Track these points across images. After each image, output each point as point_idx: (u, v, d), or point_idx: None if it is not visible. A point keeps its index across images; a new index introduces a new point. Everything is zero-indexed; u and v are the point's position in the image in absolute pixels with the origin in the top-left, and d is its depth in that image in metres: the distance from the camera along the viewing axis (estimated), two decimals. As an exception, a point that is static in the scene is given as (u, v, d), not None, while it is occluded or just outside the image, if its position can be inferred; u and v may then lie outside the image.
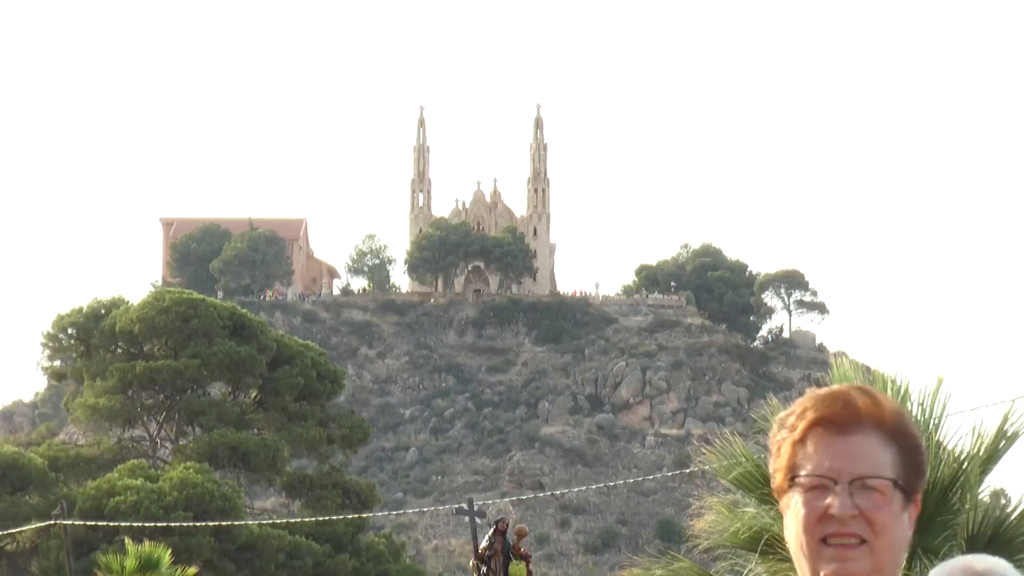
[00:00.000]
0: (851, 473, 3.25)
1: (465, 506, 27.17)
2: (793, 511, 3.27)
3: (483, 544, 26.13)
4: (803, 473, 3.25)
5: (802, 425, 3.33)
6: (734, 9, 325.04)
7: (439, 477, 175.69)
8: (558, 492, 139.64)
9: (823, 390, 3.44)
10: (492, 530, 25.69)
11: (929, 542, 21.71)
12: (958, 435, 22.26)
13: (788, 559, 14.24)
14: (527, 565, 25.71)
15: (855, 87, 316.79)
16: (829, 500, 3.21)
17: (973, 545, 21.61)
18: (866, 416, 3.32)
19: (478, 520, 26.66)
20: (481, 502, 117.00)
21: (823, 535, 3.17)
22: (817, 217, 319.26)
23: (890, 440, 3.33)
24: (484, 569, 25.05)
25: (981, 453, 21.87)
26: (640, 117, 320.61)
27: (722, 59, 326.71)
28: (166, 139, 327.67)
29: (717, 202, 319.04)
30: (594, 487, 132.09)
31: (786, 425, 3.36)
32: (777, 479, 3.33)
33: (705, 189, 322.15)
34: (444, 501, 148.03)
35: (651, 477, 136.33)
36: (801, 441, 3.32)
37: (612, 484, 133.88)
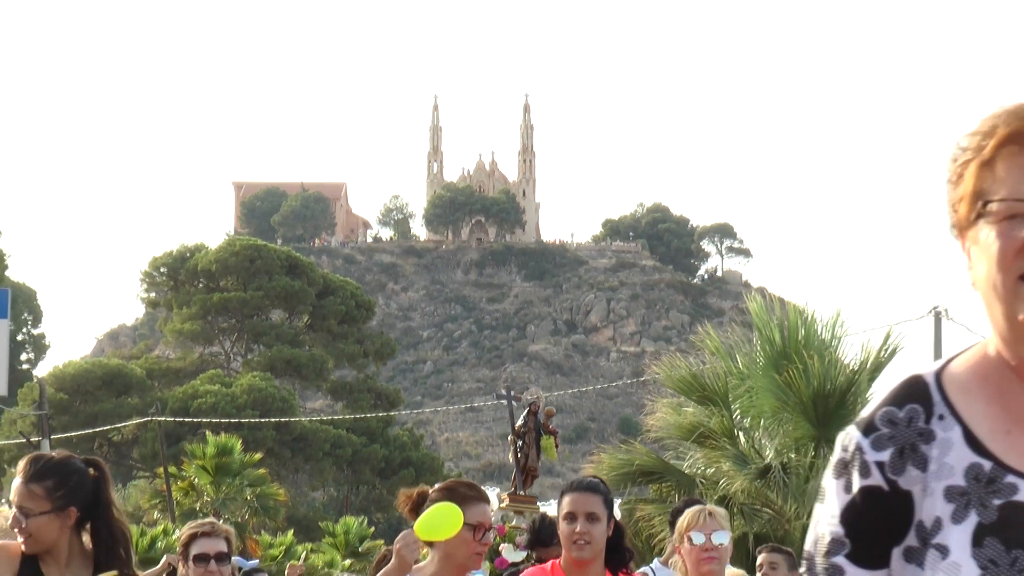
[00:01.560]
0: None
1: (505, 391, 26.87)
2: (983, 246, 2.28)
3: (519, 422, 25.82)
4: (996, 199, 2.25)
5: (991, 144, 2.30)
6: (682, 9, 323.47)
7: (449, 384, 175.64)
8: (543, 395, 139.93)
9: (1014, 103, 2.35)
10: (526, 411, 25.30)
11: (830, 433, 21.72)
12: (851, 352, 22.34)
13: (719, 447, 14.35)
14: (555, 439, 25.46)
15: (773, 72, 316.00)
16: None
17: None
18: None
19: (514, 403, 26.27)
20: (486, 403, 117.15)
21: (1022, 271, 2.19)
22: (744, 179, 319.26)
23: None
24: (520, 443, 24.75)
25: (869, 365, 21.92)
26: (606, 103, 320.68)
27: (667, 59, 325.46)
28: (238, 117, 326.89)
29: (665, 169, 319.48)
30: (569, 391, 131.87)
31: (970, 146, 2.35)
32: (960, 211, 2.34)
33: (656, 159, 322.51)
34: (453, 402, 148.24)
35: (614, 384, 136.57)
36: (990, 163, 2.31)
37: (584, 389, 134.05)
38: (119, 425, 69.66)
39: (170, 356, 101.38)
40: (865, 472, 2.28)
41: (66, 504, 5.47)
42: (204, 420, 64.09)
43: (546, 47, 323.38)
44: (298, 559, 27.95)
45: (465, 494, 6.37)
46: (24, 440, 57.41)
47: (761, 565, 9.81)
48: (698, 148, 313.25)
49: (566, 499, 6.70)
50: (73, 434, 65.87)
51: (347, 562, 42.35)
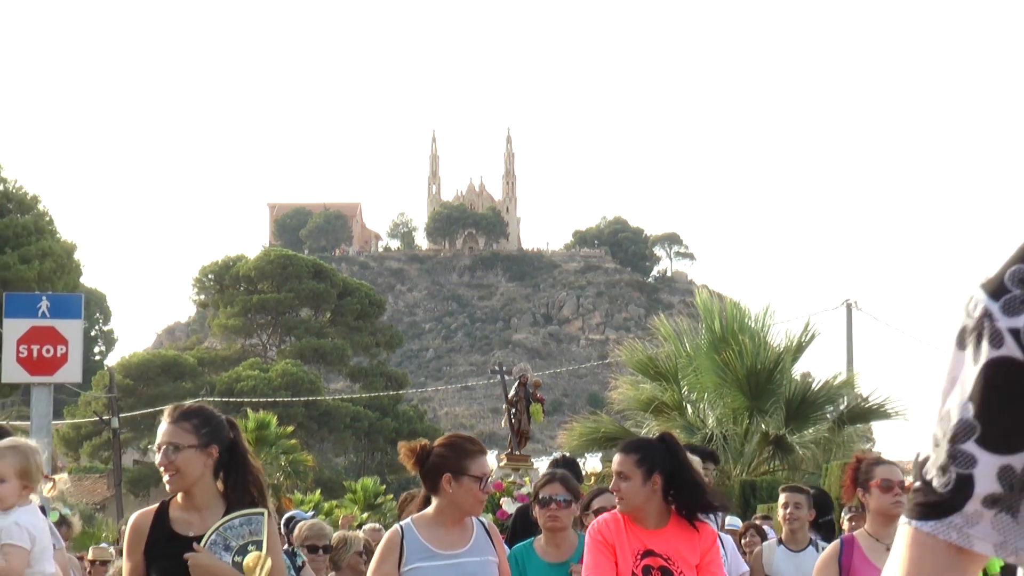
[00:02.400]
0: None
1: (498, 367, 26.70)
2: None
3: (511, 393, 25.67)
4: None
5: None
6: (635, 59, 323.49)
7: (447, 367, 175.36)
8: (530, 369, 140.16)
9: None
10: (517, 382, 25.13)
11: (762, 405, 21.79)
12: (777, 336, 22.38)
13: (671, 417, 14.20)
14: (542, 405, 25.28)
15: (709, 111, 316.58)
16: None
17: (789, 406, 21.72)
18: None
19: (506, 377, 26.15)
20: (479, 383, 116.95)
21: None
22: (688, 196, 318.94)
23: None
24: (513, 410, 24.56)
25: (792, 347, 21.98)
26: (575, 135, 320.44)
27: (625, 101, 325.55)
28: (272, 149, 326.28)
29: (624, 188, 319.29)
30: (547, 372, 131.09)
31: None
32: None
33: (616, 180, 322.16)
34: (450, 383, 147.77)
35: (583, 366, 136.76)
36: None
37: (558, 371, 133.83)
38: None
39: (217, 347, 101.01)
40: (996, 341, 1.58)
41: (209, 442, 5.29)
42: (245, 400, 63.95)
43: (525, 89, 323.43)
44: (325, 515, 27.83)
45: (466, 447, 6.12)
46: (97, 418, 57.26)
47: (786, 504, 9.45)
48: (651, 170, 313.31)
49: (615, 456, 6.44)
50: (137, 413, 65.76)
51: (365, 515, 42.38)
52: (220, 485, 5.45)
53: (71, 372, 14.80)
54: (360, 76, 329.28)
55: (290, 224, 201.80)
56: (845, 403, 22.59)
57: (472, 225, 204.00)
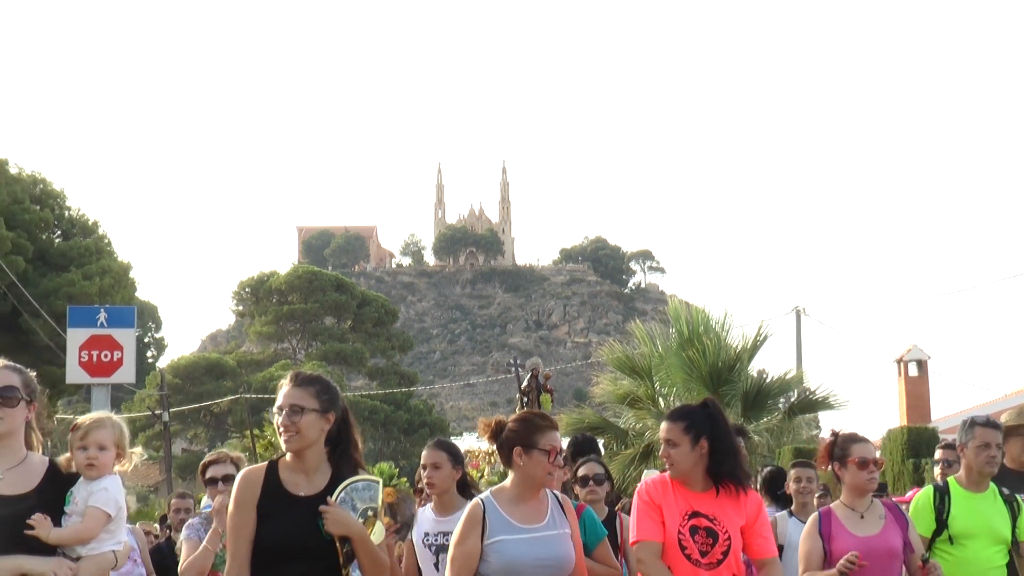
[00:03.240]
0: None
1: (513, 362, 26.45)
2: None
3: (524, 384, 25.17)
4: None
5: None
6: (612, 97, 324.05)
7: (452, 367, 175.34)
8: (541, 364, 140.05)
9: None
10: (529, 375, 24.73)
11: (723, 397, 21.67)
12: (736, 338, 22.35)
13: (645, 408, 13.96)
14: (551, 396, 24.71)
15: (678, 144, 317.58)
16: None
17: (746, 398, 21.67)
18: None
19: (521, 370, 25.74)
20: (479, 380, 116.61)
21: None
22: (659, 220, 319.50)
23: None
24: (525, 399, 24.12)
25: (748, 348, 21.93)
26: (560, 167, 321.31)
27: (605, 136, 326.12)
28: (302, 181, 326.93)
29: (604, 212, 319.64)
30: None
31: None
32: None
33: (597, 206, 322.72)
34: (455, 380, 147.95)
35: (569, 365, 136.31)
36: None
37: (548, 368, 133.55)
38: (217, 401, 69.56)
39: (253, 351, 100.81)
40: None
41: (328, 408, 4.98)
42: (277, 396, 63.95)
43: (518, 129, 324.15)
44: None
45: (536, 422, 5.62)
46: (150, 412, 57.20)
47: (798, 479, 9.06)
48: (627, 197, 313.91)
49: (662, 425, 5.92)
50: (185, 408, 65.79)
51: (382, 495, 42.37)
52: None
53: (126, 374, 14.84)
54: (378, 118, 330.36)
55: (315, 244, 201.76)
56: (795, 395, 22.53)
57: (473, 244, 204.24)
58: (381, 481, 5.01)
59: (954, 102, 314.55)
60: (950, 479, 7.10)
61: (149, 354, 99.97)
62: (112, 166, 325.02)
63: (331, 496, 4.86)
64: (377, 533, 4.89)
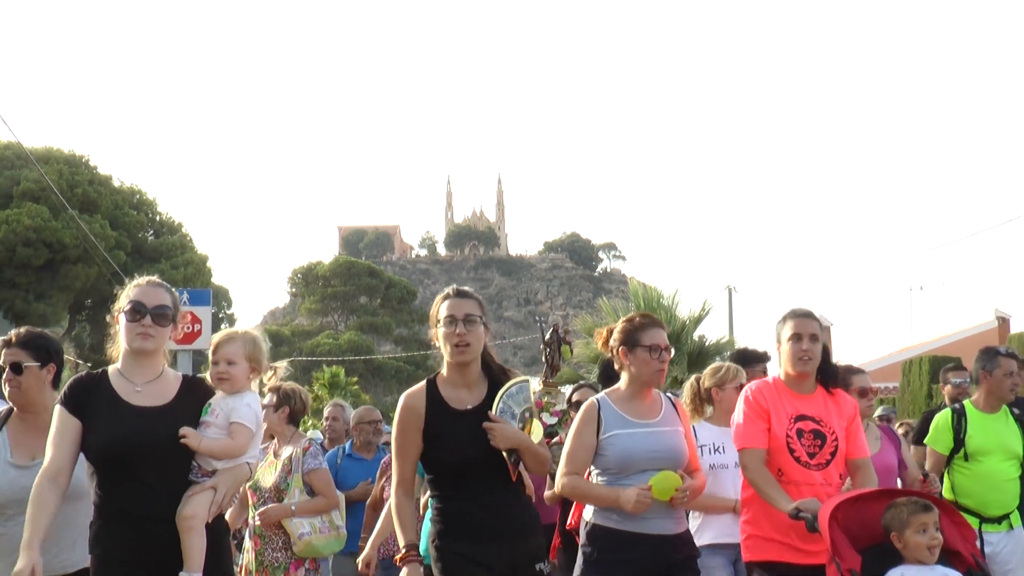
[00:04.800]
0: None
1: (538, 319, 26.05)
2: None
3: (547, 336, 24.40)
4: None
5: None
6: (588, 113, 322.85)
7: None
8: (511, 340, 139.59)
9: None
10: (551, 328, 24.18)
11: (672, 358, 21.65)
12: (683, 312, 22.24)
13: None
14: (571, 347, 23.66)
15: (644, 154, 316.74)
16: None
17: (690, 358, 21.52)
18: None
19: (544, 324, 25.32)
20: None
21: None
22: (620, 217, 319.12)
23: None
24: (548, 350, 23.57)
25: (692, 320, 21.83)
26: (544, 177, 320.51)
27: (581, 150, 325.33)
28: (344, 188, 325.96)
29: (578, 211, 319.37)
30: (527, 338, 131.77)
31: None
32: None
33: (573, 207, 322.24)
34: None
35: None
36: None
37: (534, 336, 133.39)
38: (274, 364, 69.38)
39: (304, 324, 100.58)
40: None
41: (486, 322, 4.27)
42: (323, 359, 63.74)
43: (509, 149, 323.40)
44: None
45: (639, 322, 4.79)
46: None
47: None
48: (597, 200, 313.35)
49: (790, 323, 4.82)
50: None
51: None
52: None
53: (204, 341, 14.72)
54: (401, 140, 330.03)
55: (352, 240, 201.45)
56: (727, 356, 22.43)
57: (475, 239, 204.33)
58: (530, 380, 4.34)
59: (873, 86, 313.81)
60: (965, 402, 6.53)
61: (223, 327, 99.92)
62: (193, 179, 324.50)
63: (491, 409, 4.09)
64: (536, 432, 4.15)
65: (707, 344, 22.20)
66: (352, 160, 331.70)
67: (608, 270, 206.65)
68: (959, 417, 6.41)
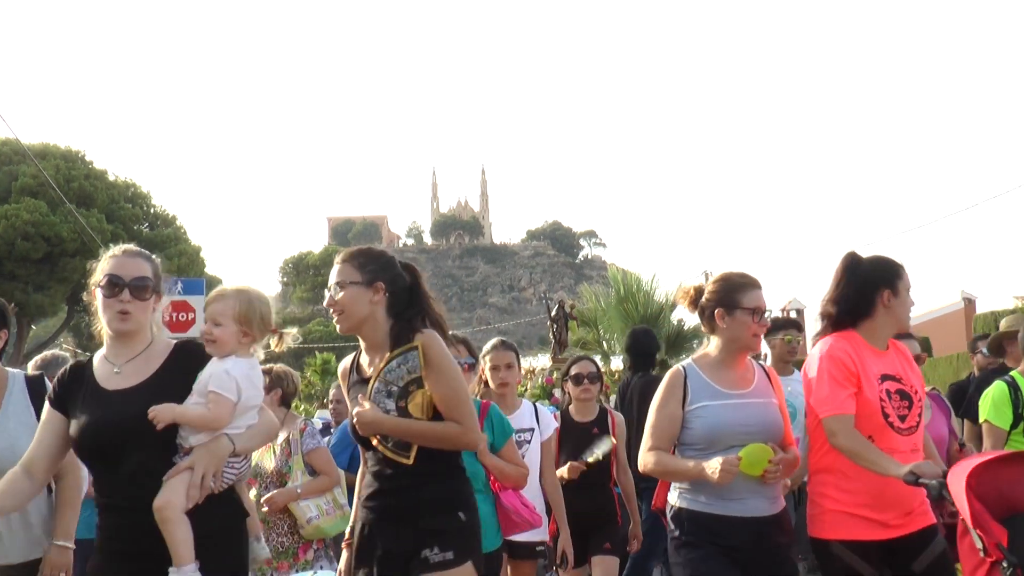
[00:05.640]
0: None
1: (544, 297, 25.68)
2: None
3: (553, 312, 24.07)
4: None
5: None
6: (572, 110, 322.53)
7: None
8: (496, 325, 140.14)
9: None
10: (557, 306, 23.87)
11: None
12: (660, 295, 22.31)
13: (593, 349, 13.73)
14: (575, 322, 22.33)
15: (628, 147, 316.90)
16: None
17: (668, 340, 21.66)
18: None
19: (550, 302, 24.88)
20: (465, 332, 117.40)
21: None
22: (600, 206, 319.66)
23: None
24: (555, 326, 23.31)
25: (667, 303, 21.89)
26: (525, 169, 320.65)
27: (560, 145, 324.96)
28: (333, 180, 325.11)
29: (559, 201, 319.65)
30: (510, 323, 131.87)
31: None
32: None
33: (554, 196, 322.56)
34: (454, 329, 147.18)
35: (535, 318, 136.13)
36: None
37: (518, 322, 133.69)
38: (283, 330, 69.18)
39: (295, 311, 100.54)
40: None
41: (373, 279, 3.90)
42: (315, 346, 63.58)
43: (492, 140, 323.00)
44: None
45: (736, 280, 4.02)
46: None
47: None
48: (577, 189, 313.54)
49: (905, 278, 4.10)
50: (245, 356, 65.28)
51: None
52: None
53: (197, 331, 14.71)
54: (389, 134, 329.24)
55: (341, 229, 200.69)
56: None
57: (460, 228, 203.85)
58: (420, 345, 3.56)
59: (843, 74, 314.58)
60: (1014, 373, 5.83)
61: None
62: (186, 172, 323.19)
63: (364, 391, 3.56)
64: (416, 404, 3.48)
65: (685, 328, 22.29)
66: (341, 153, 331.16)
67: (589, 257, 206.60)
68: (1015, 390, 5.78)
